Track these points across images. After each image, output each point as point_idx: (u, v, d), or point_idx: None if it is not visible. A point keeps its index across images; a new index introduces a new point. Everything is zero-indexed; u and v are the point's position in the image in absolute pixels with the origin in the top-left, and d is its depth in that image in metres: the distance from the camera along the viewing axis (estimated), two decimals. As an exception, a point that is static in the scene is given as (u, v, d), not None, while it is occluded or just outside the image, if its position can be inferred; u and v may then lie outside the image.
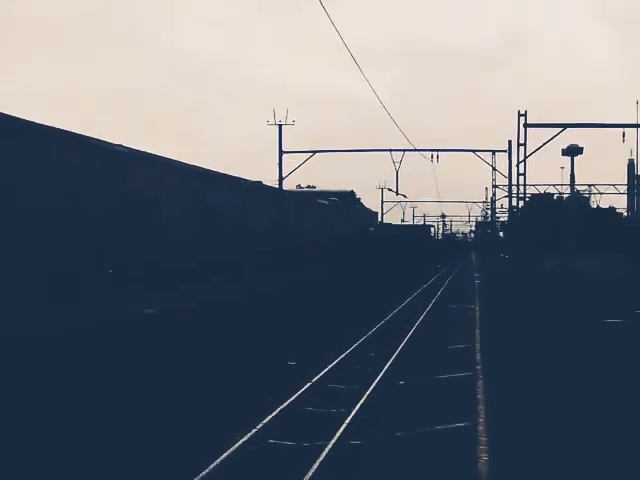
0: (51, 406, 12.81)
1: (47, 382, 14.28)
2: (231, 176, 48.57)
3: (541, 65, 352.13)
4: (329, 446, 10.60)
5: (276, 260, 49.12)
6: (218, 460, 9.80)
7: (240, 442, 10.64)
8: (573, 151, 41.80)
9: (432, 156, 51.09)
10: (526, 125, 42.50)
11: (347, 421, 11.99)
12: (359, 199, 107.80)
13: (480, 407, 12.45)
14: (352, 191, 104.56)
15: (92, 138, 31.00)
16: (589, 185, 76.48)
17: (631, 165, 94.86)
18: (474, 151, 49.68)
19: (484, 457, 9.70)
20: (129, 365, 16.36)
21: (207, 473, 9.34)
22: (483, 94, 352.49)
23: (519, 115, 43.43)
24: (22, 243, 24.22)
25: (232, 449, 10.29)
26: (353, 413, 12.51)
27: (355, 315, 27.53)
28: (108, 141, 32.31)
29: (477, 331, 22.75)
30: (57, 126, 28.84)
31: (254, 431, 11.26)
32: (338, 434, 11.22)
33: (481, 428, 11.07)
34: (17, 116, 26.15)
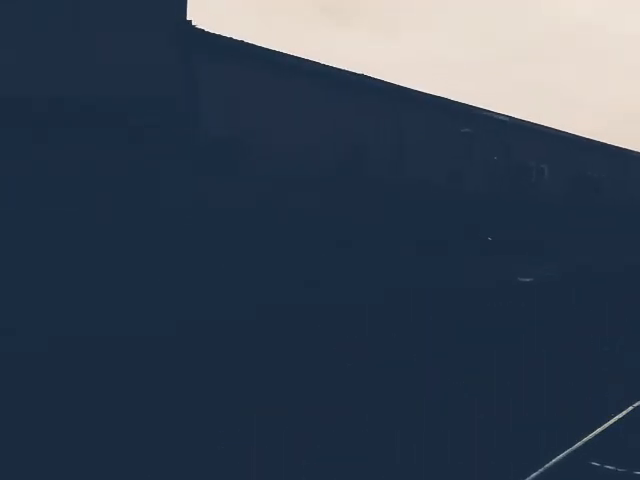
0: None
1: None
2: (614, 146, 46.84)
3: None
4: None
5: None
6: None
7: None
8: None
9: None
10: None
11: None
12: None
13: None
14: None
15: (478, 108, 31.66)
16: None
17: None
18: None
19: None
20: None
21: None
22: None
23: None
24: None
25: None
26: None
27: None
28: (492, 110, 32.81)
29: None
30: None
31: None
32: None
33: None
34: (404, 85, 27.54)
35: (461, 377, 12.87)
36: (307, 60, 23.08)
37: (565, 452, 9.36)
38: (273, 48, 21.82)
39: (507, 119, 33.20)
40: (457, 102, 30.22)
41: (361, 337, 14.77)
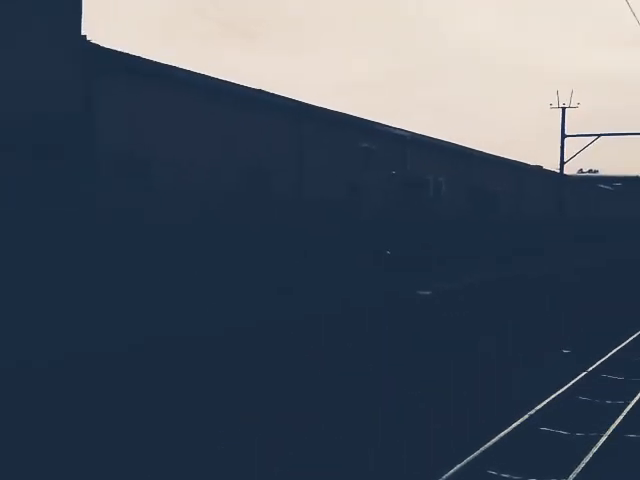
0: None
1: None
2: (509, 160, 48.11)
3: None
4: (603, 438, 10.43)
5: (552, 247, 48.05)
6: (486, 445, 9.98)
7: (511, 427, 10.72)
8: None
9: None
10: None
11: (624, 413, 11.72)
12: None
13: None
14: (638, 177, 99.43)
15: (377, 123, 32.07)
16: None
17: None
18: None
19: None
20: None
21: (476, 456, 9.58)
22: None
23: None
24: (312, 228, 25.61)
25: (503, 434, 10.41)
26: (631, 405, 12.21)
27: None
28: (391, 125, 33.27)
29: None
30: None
31: (526, 417, 11.32)
32: (614, 426, 11.00)
33: None
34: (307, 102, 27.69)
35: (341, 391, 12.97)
36: (207, 76, 22.98)
37: (464, 462, 9.60)
38: (173, 64, 21.68)
39: (406, 134, 33.73)
40: (356, 117, 30.54)
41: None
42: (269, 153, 25.41)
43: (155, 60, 20.97)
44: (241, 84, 24.51)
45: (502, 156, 47.06)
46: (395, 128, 33.31)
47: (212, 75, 23.16)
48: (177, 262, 14.39)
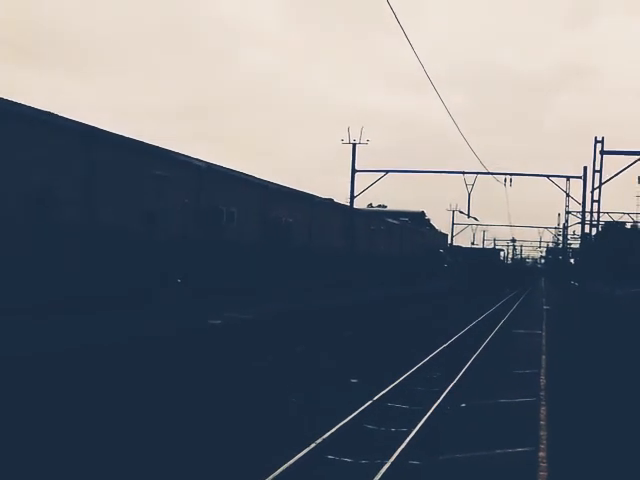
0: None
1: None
2: (302, 192, 49.02)
3: (609, 94, 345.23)
4: (387, 465, 10.64)
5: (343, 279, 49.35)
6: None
7: (297, 457, 10.69)
8: (649, 179, 41.25)
9: (505, 180, 50.74)
10: (602, 152, 41.93)
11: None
12: (429, 220, 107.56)
13: (542, 433, 12.33)
14: (422, 212, 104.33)
15: (171, 151, 31.71)
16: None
17: None
18: (548, 176, 49.05)
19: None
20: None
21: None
22: (551, 120, 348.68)
23: (595, 141, 42.90)
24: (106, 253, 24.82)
25: (289, 463, 10.37)
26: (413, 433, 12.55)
27: (425, 336, 27.56)
28: (186, 154, 33.02)
29: (543, 357, 22.49)
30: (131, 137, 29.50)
31: (313, 446, 11.34)
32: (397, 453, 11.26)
33: (542, 454, 10.97)
34: (98, 127, 26.94)
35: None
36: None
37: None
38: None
39: (201, 163, 33.59)
40: (151, 144, 30.10)
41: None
42: (59, 178, 24.48)
43: None
44: (29, 105, 23.52)
45: (296, 188, 47.91)
46: (191, 157, 33.12)
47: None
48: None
